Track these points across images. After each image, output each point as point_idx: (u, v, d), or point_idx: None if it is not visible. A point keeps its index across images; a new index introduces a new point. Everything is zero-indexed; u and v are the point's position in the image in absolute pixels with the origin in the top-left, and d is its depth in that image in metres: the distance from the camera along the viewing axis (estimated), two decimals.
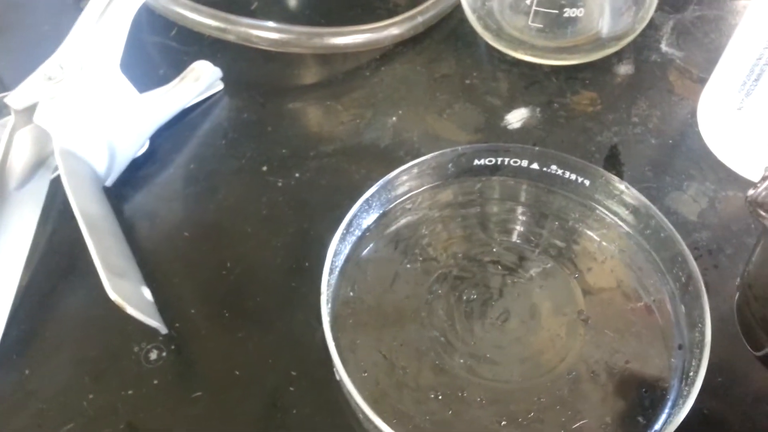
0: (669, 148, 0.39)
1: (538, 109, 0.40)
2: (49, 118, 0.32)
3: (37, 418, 0.29)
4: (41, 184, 0.35)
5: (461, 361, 0.30)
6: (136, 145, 0.37)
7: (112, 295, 0.26)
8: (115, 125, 0.35)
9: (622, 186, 0.34)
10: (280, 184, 0.37)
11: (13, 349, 0.31)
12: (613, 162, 0.38)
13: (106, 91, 0.34)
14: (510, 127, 0.40)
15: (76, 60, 0.33)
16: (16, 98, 0.33)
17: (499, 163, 0.36)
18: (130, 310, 0.26)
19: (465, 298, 0.32)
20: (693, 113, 0.40)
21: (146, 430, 0.29)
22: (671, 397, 0.29)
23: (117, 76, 0.34)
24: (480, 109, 0.40)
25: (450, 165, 0.36)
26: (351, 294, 0.33)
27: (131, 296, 0.27)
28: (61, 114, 0.32)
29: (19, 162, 0.34)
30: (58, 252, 0.35)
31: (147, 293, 0.30)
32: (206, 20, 0.41)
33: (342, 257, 0.33)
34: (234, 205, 0.37)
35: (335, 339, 0.29)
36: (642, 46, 0.43)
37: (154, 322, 0.28)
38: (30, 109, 0.33)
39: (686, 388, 0.28)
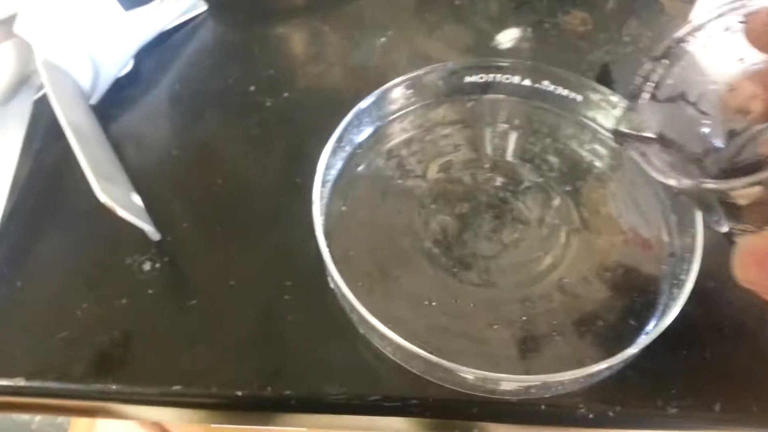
0: None
1: (528, 29, 0.40)
2: (30, 28, 0.31)
3: (30, 327, 0.29)
4: (25, 102, 0.35)
5: (454, 270, 0.31)
6: (120, 62, 0.36)
7: (102, 197, 0.25)
8: (99, 40, 0.34)
9: (615, 99, 0.34)
10: (268, 104, 0.37)
11: (4, 264, 0.31)
12: (604, 80, 0.38)
13: (89, 3, 0.33)
14: (501, 47, 0.39)
15: None
16: None
17: (490, 80, 0.36)
18: (121, 212, 0.26)
19: (457, 211, 0.33)
20: None
21: (141, 338, 0.29)
22: (662, 301, 0.30)
23: None
24: (470, 30, 0.40)
25: (440, 81, 0.36)
26: (343, 208, 0.33)
27: (121, 200, 0.27)
28: (43, 24, 0.31)
29: (1, 78, 0.33)
30: (45, 170, 0.34)
31: (137, 198, 0.29)
32: None
33: (334, 172, 0.33)
34: (222, 124, 0.36)
35: (329, 249, 0.29)
36: None
37: (146, 225, 0.27)
38: (9, 21, 0.32)
39: (676, 292, 0.29)
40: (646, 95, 0.28)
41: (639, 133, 0.28)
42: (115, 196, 0.26)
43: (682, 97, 0.28)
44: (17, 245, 0.32)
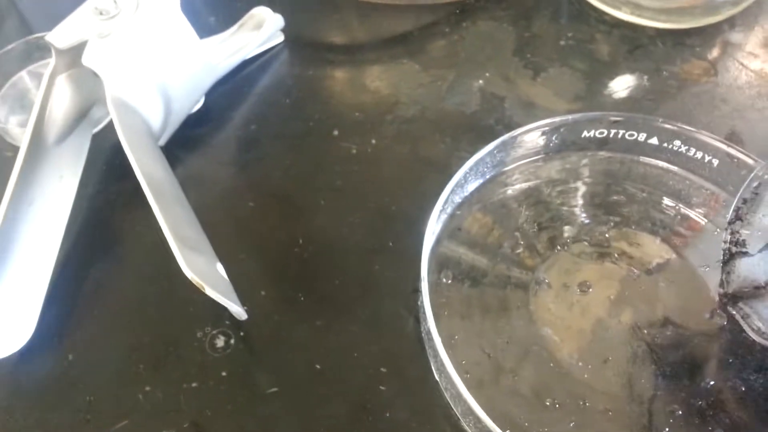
0: None
1: (645, 77, 0.35)
2: (99, 60, 0.27)
3: (84, 413, 0.25)
4: (83, 139, 0.31)
5: (579, 364, 0.26)
6: (193, 98, 0.32)
7: (189, 274, 0.21)
8: (172, 73, 0.30)
9: (751, 162, 0.29)
10: (354, 151, 0.33)
11: (53, 329, 0.27)
12: (734, 140, 0.33)
13: (164, 33, 0.29)
14: (615, 95, 0.35)
15: None
16: (59, 36, 0.28)
17: (610, 135, 0.31)
18: (210, 292, 0.22)
19: (578, 291, 0.28)
20: None
21: (214, 430, 0.24)
22: None
23: (177, 16, 0.29)
24: (579, 74, 0.36)
25: (554, 136, 0.31)
26: (444, 281, 0.28)
27: (207, 274, 0.22)
28: (114, 55, 0.27)
29: (59, 112, 0.29)
30: (101, 218, 0.30)
31: (221, 270, 0.25)
32: None
33: (432, 237, 0.29)
34: (303, 173, 0.32)
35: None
36: (759, 12, 0.38)
37: (234, 305, 0.23)
38: (75, 50, 0.28)
39: None
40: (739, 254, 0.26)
41: (751, 287, 0.26)
42: (201, 270, 0.22)
43: None
44: (69, 307, 0.27)
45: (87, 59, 0.27)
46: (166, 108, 0.30)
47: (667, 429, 0.24)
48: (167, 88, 0.29)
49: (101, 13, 0.27)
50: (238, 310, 0.24)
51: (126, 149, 0.25)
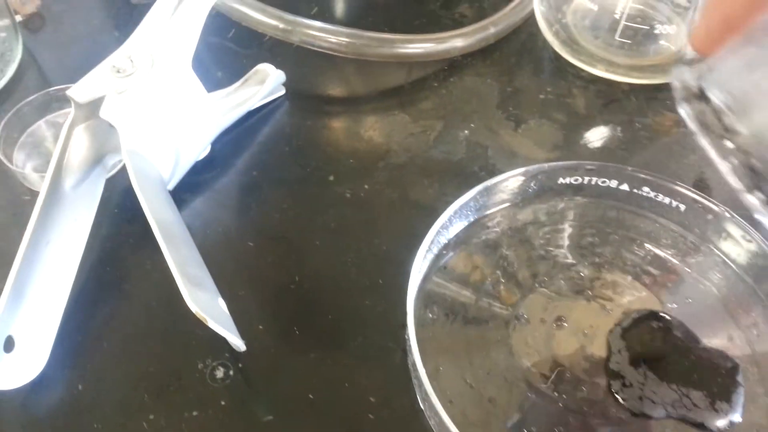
0: None
1: (618, 128, 0.38)
2: (117, 114, 0.30)
3: None
4: (97, 184, 0.33)
5: (555, 394, 0.28)
6: (200, 148, 0.35)
7: (193, 308, 0.23)
8: (183, 125, 0.32)
9: (717, 209, 0.32)
10: (348, 195, 0.35)
11: (65, 361, 0.29)
12: (701, 187, 0.35)
13: (176, 89, 0.32)
14: (590, 145, 0.38)
15: (148, 54, 0.31)
16: (79, 91, 0.30)
17: (584, 182, 0.34)
18: (212, 324, 0.24)
19: (555, 326, 0.30)
20: None
21: None
22: None
23: (188, 74, 0.32)
24: (557, 126, 0.38)
25: (532, 182, 0.34)
26: (430, 316, 0.30)
27: (209, 308, 0.25)
28: (130, 110, 0.30)
29: (76, 159, 0.32)
30: (112, 257, 0.32)
31: (223, 305, 0.27)
32: (271, 21, 0.39)
33: (420, 275, 0.31)
34: (300, 215, 0.34)
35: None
36: None
37: (234, 337, 0.25)
38: (92, 104, 0.31)
39: None
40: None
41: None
42: (204, 305, 0.24)
43: None
44: (80, 341, 0.29)
45: (104, 113, 0.29)
46: (176, 157, 0.32)
47: None
48: (177, 139, 0.32)
49: (119, 71, 0.30)
50: (237, 342, 0.26)
51: (138, 195, 0.27)
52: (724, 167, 0.20)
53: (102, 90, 0.30)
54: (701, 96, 0.21)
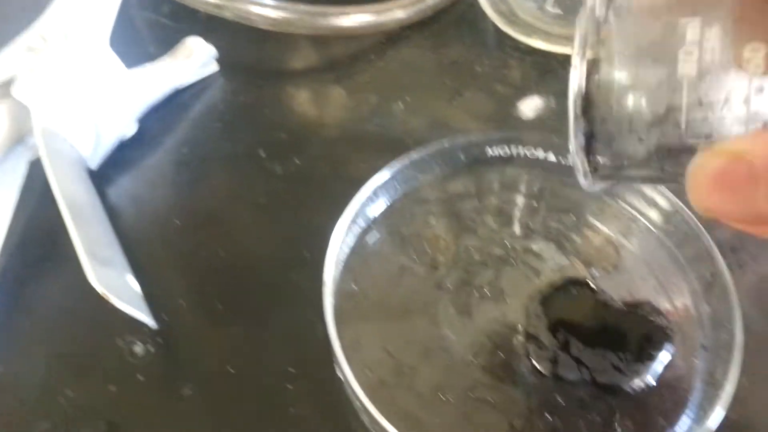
0: None
1: (552, 100, 0.38)
2: (28, 93, 0.29)
3: (8, 416, 0.27)
4: (18, 163, 0.33)
5: (474, 360, 0.28)
6: (124, 125, 0.34)
7: (96, 286, 0.23)
8: (102, 103, 0.32)
9: None
10: (278, 171, 0.35)
11: None
12: None
13: (92, 66, 0.31)
14: (523, 117, 0.38)
15: (61, 31, 0.30)
16: None
17: (513, 153, 0.34)
18: (116, 302, 0.24)
19: (477, 294, 0.30)
20: None
21: (129, 430, 0.26)
22: (695, 399, 0.27)
23: (104, 50, 0.32)
24: (491, 98, 0.38)
25: (461, 153, 0.34)
26: (354, 287, 0.30)
27: (117, 287, 0.25)
28: (42, 88, 0.30)
29: None
30: (36, 238, 0.32)
31: (134, 284, 0.27)
32: None
33: (346, 248, 0.31)
34: (229, 192, 0.34)
35: (338, 333, 0.27)
36: None
37: (142, 314, 0.25)
38: (8, 83, 0.30)
39: (713, 392, 0.27)
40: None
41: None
42: (110, 283, 0.24)
43: None
44: (2, 321, 0.29)
45: (16, 92, 0.29)
46: (96, 135, 0.32)
47: (548, 415, 0.26)
48: (97, 116, 0.32)
49: (30, 49, 0.30)
50: (145, 319, 0.26)
51: (48, 175, 0.27)
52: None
53: (14, 69, 0.30)
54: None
